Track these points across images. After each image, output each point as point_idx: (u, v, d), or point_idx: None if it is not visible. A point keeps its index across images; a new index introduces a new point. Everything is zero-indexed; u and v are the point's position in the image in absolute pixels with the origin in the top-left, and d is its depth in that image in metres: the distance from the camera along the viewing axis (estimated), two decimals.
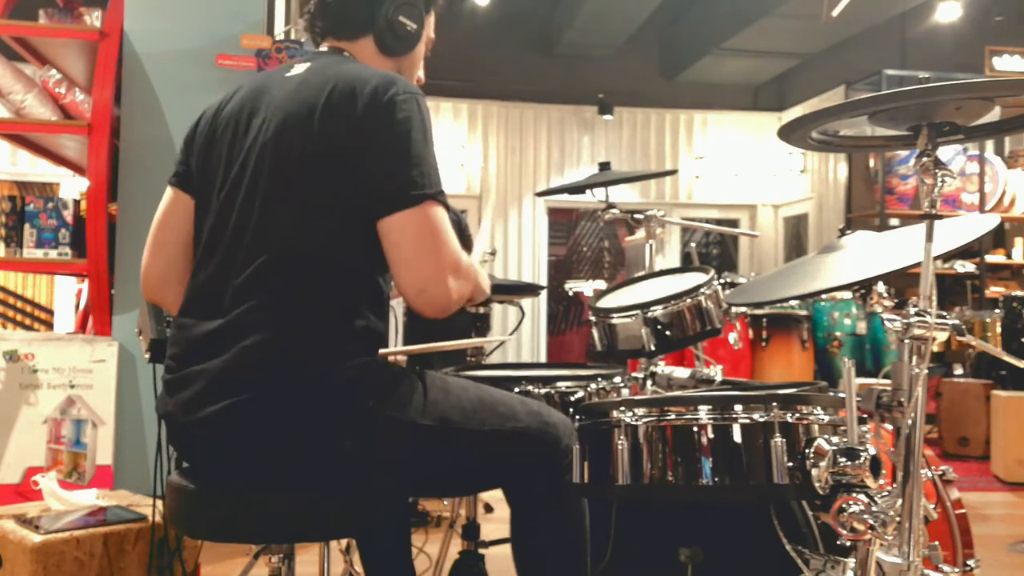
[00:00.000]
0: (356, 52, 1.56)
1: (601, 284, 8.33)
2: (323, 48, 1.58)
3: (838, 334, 5.52)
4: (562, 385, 1.87)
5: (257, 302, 1.34)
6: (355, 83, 1.38)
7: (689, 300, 1.90)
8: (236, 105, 1.50)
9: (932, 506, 1.37)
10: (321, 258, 1.37)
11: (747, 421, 1.34)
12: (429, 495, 2.84)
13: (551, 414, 1.54)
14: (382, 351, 1.48)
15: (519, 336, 7.85)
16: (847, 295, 5.41)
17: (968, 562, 1.81)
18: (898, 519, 1.23)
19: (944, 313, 1.29)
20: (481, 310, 2.64)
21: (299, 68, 1.50)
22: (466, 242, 4.32)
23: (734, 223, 8.66)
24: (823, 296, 5.48)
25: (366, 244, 1.37)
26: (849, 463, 1.25)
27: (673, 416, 1.37)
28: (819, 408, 1.38)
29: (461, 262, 1.38)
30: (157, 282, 1.57)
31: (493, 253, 3.06)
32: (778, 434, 1.31)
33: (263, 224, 1.37)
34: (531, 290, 2.67)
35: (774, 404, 1.33)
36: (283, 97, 1.43)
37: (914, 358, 1.28)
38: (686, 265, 2.42)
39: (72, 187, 5.61)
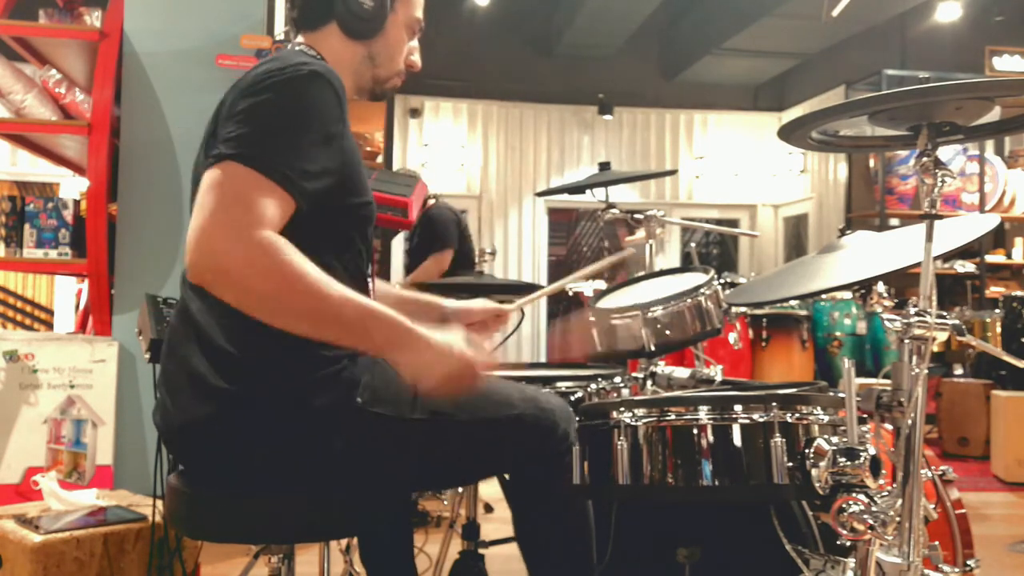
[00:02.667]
0: (322, 41, 1.51)
1: (601, 284, 8.33)
2: (290, 46, 1.56)
3: (838, 334, 5.52)
4: (562, 385, 1.87)
5: (230, 307, 1.33)
6: (253, 70, 1.35)
7: (689, 300, 1.90)
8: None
9: (932, 506, 1.38)
10: None
11: (747, 421, 1.34)
12: (428, 488, 2.84)
13: (548, 400, 1.52)
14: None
15: (519, 336, 7.85)
16: (847, 295, 5.41)
17: (968, 562, 1.81)
18: (898, 519, 1.23)
19: (944, 313, 1.29)
20: None
21: None
22: (465, 242, 4.32)
23: (734, 223, 8.66)
24: (823, 296, 5.48)
25: (315, 234, 1.31)
26: (849, 463, 1.25)
27: (673, 416, 1.37)
28: (819, 408, 1.38)
29: (242, 232, 1.16)
30: None
31: (493, 253, 3.06)
32: (778, 434, 1.31)
33: None
34: (531, 290, 2.66)
35: (774, 404, 1.33)
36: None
37: (914, 358, 1.28)
38: (686, 265, 2.42)
39: (72, 187, 5.61)
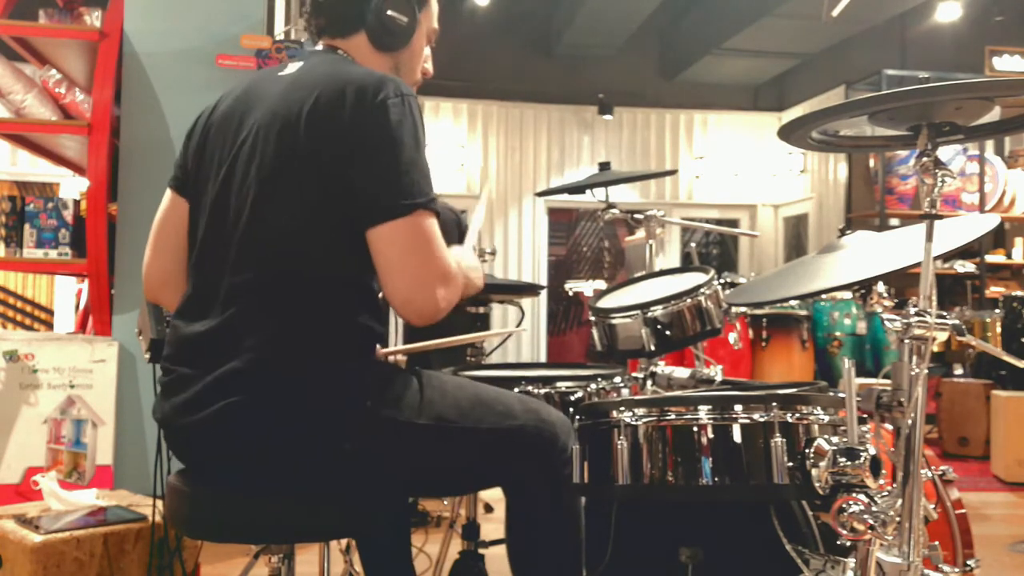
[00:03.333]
0: (351, 49, 1.54)
1: (601, 284, 8.33)
2: (319, 47, 1.57)
3: (838, 334, 5.52)
4: (562, 385, 1.87)
5: (251, 304, 1.34)
6: (343, 84, 1.36)
7: (689, 300, 1.90)
8: (229, 106, 1.50)
9: (932, 506, 1.37)
10: (313, 259, 1.36)
11: (747, 421, 1.34)
12: (428, 494, 2.83)
13: (549, 412, 1.54)
14: (383, 350, 1.47)
15: (519, 336, 7.85)
16: (847, 295, 5.41)
17: (968, 562, 1.81)
18: (898, 519, 1.23)
19: (944, 313, 1.29)
20: (480, 310, 2.64)
21: (292, 68, 1.49)
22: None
23: (734, 223, 8.66)
24: (823, 296, 5.48)
25: (358, 245, 1.37)
26: (849, 463, 1.25)
27: (673, 416, 1.37)
28: (819, 408, 1.38)
29: (450, 270, 1.38)
30: (157, 283, 1.57)
31: (493, 253, 3.05)
32: (778, 434, 1.31)
33: (253, 226, 1.37)
34: (531, 290, 2.66)
35: (774, 404, 1.33)
36: (273, 98, 1.42)
37: (914, 358, 1.28)
38: (686, 265, 2.42)
39: (72, 187, 5.61)
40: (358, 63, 1.51)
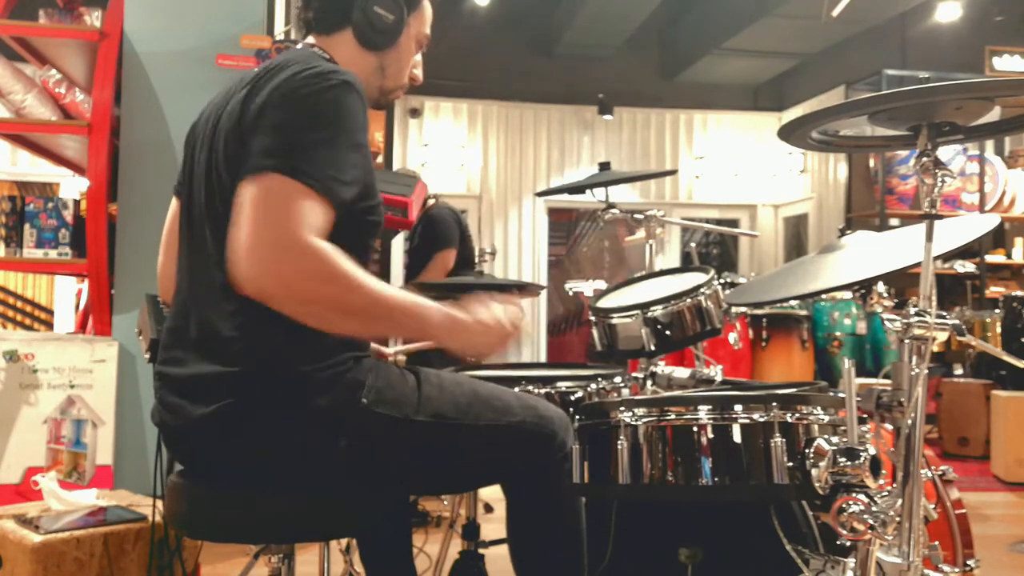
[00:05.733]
0: (334, 46, 1.51)
1: (601, 284, 8.33)
2: (299, 46, 1.55)
3: (838, 334, 5.52)
4: (562, 385, 1.87)
5: (241, 304, 1.33)
6: (277, 70, 1.34)
7: (689, 300, 1.90)
8: (208, 111, 1.50)
9: (932, 506, 1.38)
10: None
11: (747, 421, 1.34)
12: (427, 492, 2.83)
13: (547, 408, 1.53)
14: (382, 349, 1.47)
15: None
16: (847, 295, 5.41)
17: (968, 562, 1.81)
18: (898, 519, 1.23)
19: (944, 313, 1.29)
20: None
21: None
22: (466, 243, 4.32)
23: (734, 223, 8.66)
24: (823, 296, 5.48)
25: (353, 240, 1.33)
26: (849, 463, 1.25)
27: (673, 416, 1.37)
28: (819, 408, 1.38)
29: (297, 243, 1.18)
30: (171, 286, 1.56)
31: (493, 253, 3.05)
32: (778, 434, 1.31)
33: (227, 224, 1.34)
34: (531, 290, 2.66)
35: (774, 404, 1.33)
36: (231, 95, 1.41)
37: (914, 358, 1.28)
38: (686, 265, 2.42)
39: (72, 187, 5.61)
40: (331, 61, 1.46)
